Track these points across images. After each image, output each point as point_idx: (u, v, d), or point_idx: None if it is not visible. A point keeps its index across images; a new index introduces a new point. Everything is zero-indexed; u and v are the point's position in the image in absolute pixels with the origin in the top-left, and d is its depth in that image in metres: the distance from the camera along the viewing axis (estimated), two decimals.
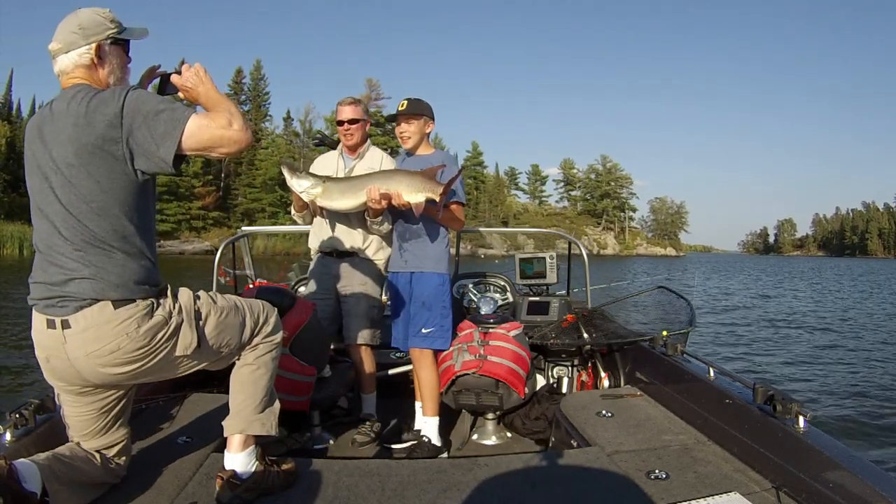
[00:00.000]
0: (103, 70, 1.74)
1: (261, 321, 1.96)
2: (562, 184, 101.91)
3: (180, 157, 1.64)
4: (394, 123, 3.02)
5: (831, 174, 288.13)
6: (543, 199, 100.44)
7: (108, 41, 1.74)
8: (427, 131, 3.05)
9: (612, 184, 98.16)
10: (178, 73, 1.76)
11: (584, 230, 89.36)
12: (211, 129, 1.63)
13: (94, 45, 1.71)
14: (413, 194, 2.69)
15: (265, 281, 4.09)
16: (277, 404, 2.02)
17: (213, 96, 1.72)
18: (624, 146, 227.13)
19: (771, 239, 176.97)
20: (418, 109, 2.97)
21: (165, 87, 1.81)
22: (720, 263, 64.38)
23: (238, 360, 1.95)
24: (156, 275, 1.75)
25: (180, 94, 1.76)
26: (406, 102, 2.97)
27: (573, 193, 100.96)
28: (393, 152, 3.38)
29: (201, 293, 1.84)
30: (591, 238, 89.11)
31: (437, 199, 2.69)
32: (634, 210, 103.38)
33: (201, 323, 1.78)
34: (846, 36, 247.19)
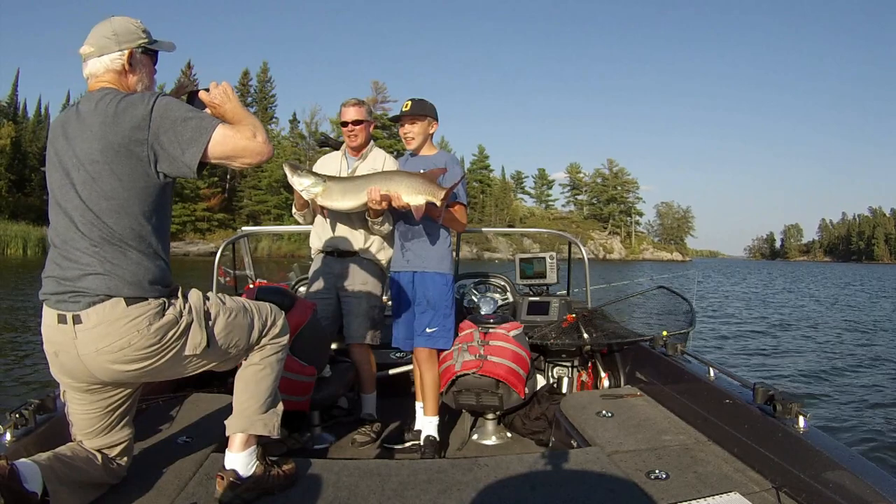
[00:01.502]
0: (133, 77, 1.80)
1: (269, 323, 1.99)
2: (568, 188, 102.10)
3: (202, 164, 1.68)
4: (398, 124, 3.04)
5: (838, 179, 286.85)
6: (550, 203, 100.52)
7: (140, 49, 1.81)
8: (431, 132, 3.06)
9: (619, 188, 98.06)
10: (206, 90, 1.82)
11: (590, 234, 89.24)
12: (236, 139, 1.69)
13: (126, 52, 1.78)
14: (413, 196, 2.69)
15: (265, 281, 4.10)
16: (281, 406, 2.04)
17: (239, 112, 1.78)
18: (631, 150, 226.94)
19: (777, 244, 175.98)
20: (422, 110, 2.99)
21: (193, 103, 1.86)
22: (725, 269, 64.18)
23: (244, 360, 1.97)
24: (168, 276, 1.78)
25: (207, 111, 1.80)
26: (410, 103, 2.99)
27: (579, 198, 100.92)
28: (398, 155, 3.38)
29: (210, 294, 1.87)
30: (598, 242, 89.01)
31: (438, 203, 2.70)
32: (641, 215, 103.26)
33: (211, 323, 1.80)
34: (850, 38, 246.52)
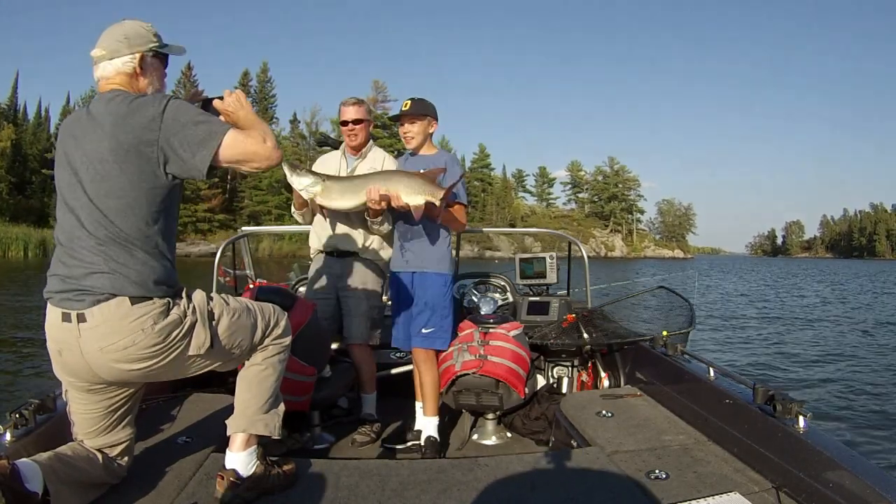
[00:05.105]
0: (144, 80, 1.83)
1: (271, 323, 2.00)
2: (569, 186, 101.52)
3: (212, 168, 1.70)
4: (398, 123, 3.03)
5: (839, 175, 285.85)
6: (551, 201, 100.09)
7: (151, 53, 1.83)
8: (430, 131, 3.05)
9: (620, 186, 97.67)
10: (220, 98, 1.85)
11: (591, 232, 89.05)
12: (247, 144, 1.71)
13: (138, 55, 1.80)
14: (412, 196, 2.69)
15: (265, 281, 4.09)
16: (282, 406, 2.04)
17: (251, 119, 1.82)
18: (631, 148, 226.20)
19: (779, 241, 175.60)
20: (422, 109, 2.99)
21: (207, 110, 1.87)
22: (726, 266, 64.05)
23: (247, 360, 1.98)
24: (174, 276, 1.79)
25: (220, 118, 1.82)
26: (410, 102, 2.98)
27: (581, 195, 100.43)
28: (398, 154, 3.38)
29: (214, 295, 1.88)
30: (599, 240, 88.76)
31: (437, 203, 2.70)
32: (642, 212, 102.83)
33: (214, 323, 1.81)
34: (849, 33, 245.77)
